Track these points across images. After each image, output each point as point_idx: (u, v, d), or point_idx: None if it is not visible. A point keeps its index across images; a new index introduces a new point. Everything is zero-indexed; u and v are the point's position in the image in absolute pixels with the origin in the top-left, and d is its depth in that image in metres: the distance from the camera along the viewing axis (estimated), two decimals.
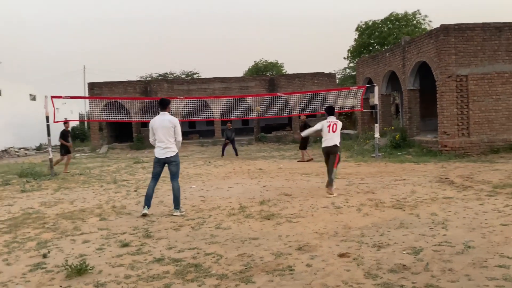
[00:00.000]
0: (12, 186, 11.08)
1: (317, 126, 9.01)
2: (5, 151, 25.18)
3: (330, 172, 8.55)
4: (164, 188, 9.55)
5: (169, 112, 7.29)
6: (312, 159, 14.85)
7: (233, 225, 6.18)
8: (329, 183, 8.41)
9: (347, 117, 32.09)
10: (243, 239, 5.41)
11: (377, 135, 14.55)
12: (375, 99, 15.49)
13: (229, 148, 18.61)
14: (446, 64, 13.70)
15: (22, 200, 9.12)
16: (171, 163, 7.13)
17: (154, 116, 7.33)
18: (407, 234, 5.34)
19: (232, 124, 18.97)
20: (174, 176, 7.20)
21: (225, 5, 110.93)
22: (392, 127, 18.54)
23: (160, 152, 7.09)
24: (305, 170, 12.31)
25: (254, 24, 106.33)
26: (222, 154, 18.56)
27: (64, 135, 14.49)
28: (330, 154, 8.65)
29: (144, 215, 6.96)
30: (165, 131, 7.04)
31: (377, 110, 15.34)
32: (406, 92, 16.61)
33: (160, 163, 7.17)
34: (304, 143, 15.06)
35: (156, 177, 7.24)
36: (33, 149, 27.96)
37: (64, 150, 14.37)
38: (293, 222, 6.22)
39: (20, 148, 26.57)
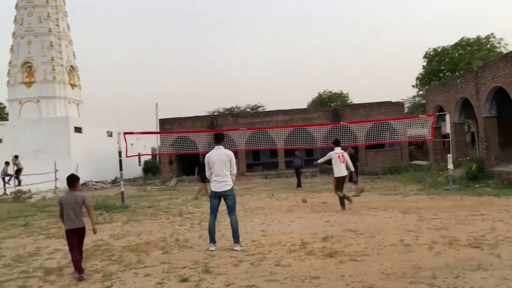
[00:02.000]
0: (86, 219, 11.69)
1: (327, 157, 10.84)
2: (84, 184, 26.95)
3: (344, 193, 10.73)
4: (227, 221, 9.47)
5: (224, 146, 7.39)
6: (363, 190, 14.41)
7: (294, 262, 5.97)
8: (350, 199, 10.58)
9: (418, 147, 30.64)
10: (303, 278, 5.18)
11: (450, 166, 13.60)
12: (447, 128, 14.61)
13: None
14: None
15: None
16: (228, 196, 7.15)
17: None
18: (486, 277, 4.80)
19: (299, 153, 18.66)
20: (231, 209, 7.20)
21: (288, 38, 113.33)
22: (468, 157, 17.31)
23: (217, 186, 7.14)
24: (372, 204, 11.77)
25: (319, 54, 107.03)
26: (299, 185, 18.13)
27: (201, 166, 16.06)
28: (344, 181, 10.72)
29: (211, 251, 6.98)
30: (222, 165, 7.10)
31: (450, 139, 14.42)
32: (481, 120, 15.54)
33: (217, 196, 7.22)
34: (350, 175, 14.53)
35: (214, 211, 7.28)
36: (109, 183, 29.67)
37: (201, 178, 16.00)
38: (357, 260, 5.87)
39: (97, 182, 28.32)
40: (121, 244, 7.98)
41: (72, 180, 6.21)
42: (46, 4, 31.17)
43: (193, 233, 8.77)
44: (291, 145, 21.15)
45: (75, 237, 6.01)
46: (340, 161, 10.54)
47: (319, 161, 11.58)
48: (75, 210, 6.05)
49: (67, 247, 6.35)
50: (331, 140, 20.55)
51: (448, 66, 32.42)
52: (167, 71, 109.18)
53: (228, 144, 20.73)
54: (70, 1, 73.10)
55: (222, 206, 7.62)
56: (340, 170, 10.61)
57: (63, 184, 25.23)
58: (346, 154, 10.79)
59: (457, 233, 7.21)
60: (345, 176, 10.72)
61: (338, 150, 10.75)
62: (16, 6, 31.41)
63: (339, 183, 10.71)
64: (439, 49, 33.59)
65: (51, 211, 13.65)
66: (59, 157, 24.36)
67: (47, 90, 30.59)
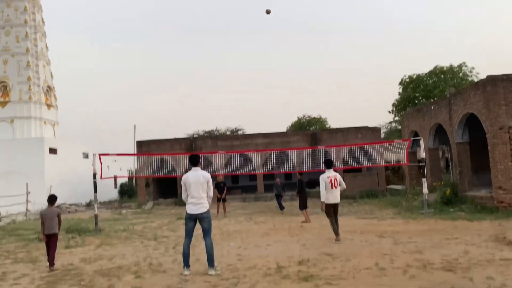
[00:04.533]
0: (57, 242, 11.30)
1: (322, 185, 9.41)
2: (58, 207, 26.18)
3: (337, 222, 9.49)
4: (202, 245, 9.30)
5: (200, 168, 7.32)
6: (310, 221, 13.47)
7: (268, 286, 5.88)
8: (338, 233, 9.37)
9: (394, 172, 31.09)
10: None
11: (425, 190, 13.83)
12: (422, 153, 14.92)
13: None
14: (496, 116, 13.12)
15: (64, 256, 9.27)
16: (204, 219, 7.03)
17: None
18: None
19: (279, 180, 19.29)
20: (206, 232, 7.08)
21: (268, 63, 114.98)
22: (442, 182, 17.64)
23: (193, 208, 7.03)
24: (349, 227, 11.79)
25: (298, 78, 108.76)
26: (281, 208, 18.57)
27: (216, 186, 17.00)
28: (335, 207, 9.57)
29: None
30: (199, 186, 7.01)
31: (424, 164, 14.70)
32: (454, 146, 15.94)
33: (192, 219, 7.09)
34: (304, 202, 14.21)
35: (189, 234, 7.14)
36: (83, 206, 28.94)
37: (216, 198, 16.83)
38: (332, 284, 5.83)
39: (71, 204, 27.58)
40: (92, 268, 7.73)
41: (53, 198, 8.49)
42: (24, 24, 30.92)
43: (167, 257, 8.58)
44: (270, 167, 21.16)
45: (50, 240, 8.18)
46: (331, 186, 9.22)
47: (322, 199, 9.49)
48: (51, 221, 8.19)
49: (35, 272, 7.73)
50: (309, 163, 20.86)
51: (423, 93, 33.33)
52: (146, 92, 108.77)
53: (207, 168, 20.62)
54: (48, 21, 72.77)
55: (198, 230, 7.50)
56: (329, 195, 9.31)
57: (35, 207, 24.47)
58: (338, 176, 9.47)
59: (431, 256, 7.26)
60: (336, 203, 9.46)
61: (329, 172, 9.41)
62: None
63: (329, 208, 9.40)
64: (414, 77, 34.60)
65: (20, 235, 13.20)
66: (32, 178, 23.69)
67: (22, 110, 29.97)
